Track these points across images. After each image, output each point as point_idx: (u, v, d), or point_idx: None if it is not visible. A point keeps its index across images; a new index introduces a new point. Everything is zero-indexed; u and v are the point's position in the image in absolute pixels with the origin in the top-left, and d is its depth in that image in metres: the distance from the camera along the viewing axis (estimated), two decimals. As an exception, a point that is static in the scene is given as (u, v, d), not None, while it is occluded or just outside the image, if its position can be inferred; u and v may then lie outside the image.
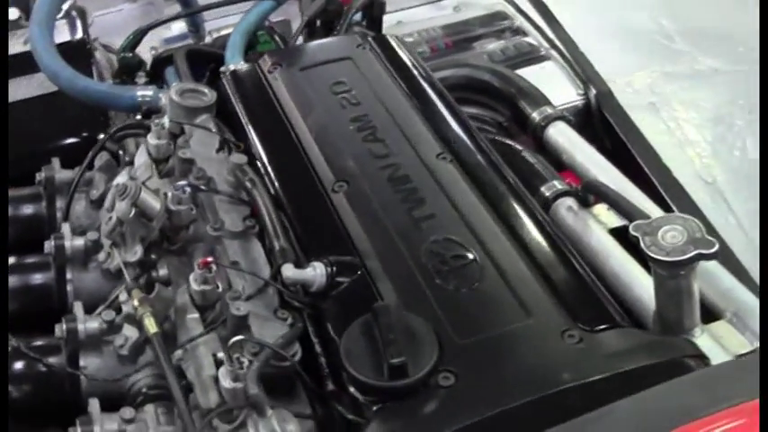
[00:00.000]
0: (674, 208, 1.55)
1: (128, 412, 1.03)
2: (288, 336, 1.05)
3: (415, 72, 1.47)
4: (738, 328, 1.25)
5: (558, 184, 1.46)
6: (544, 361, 0.99)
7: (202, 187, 1.21)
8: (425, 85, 1.45)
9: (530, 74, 1.87)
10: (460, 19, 2.04)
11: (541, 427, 0.88)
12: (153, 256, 1.19)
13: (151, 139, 1.32)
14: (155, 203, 1.18)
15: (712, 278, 1.31)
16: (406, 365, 0.95)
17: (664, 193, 1.59)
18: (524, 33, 1.99)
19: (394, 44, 1.54)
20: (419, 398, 0.95)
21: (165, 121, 1.32)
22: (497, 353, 1.00)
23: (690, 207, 1.57)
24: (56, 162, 1.37)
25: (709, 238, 1.11)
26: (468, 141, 1.34)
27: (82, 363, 1.11)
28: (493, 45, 1.96)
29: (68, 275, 1.22)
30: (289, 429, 0.95)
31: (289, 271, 1.10)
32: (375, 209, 1.18)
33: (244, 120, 1.39)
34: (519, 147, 1.62)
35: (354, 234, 1.15)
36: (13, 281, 1.23)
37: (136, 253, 1.18)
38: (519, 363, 1.00)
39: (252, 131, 1.36)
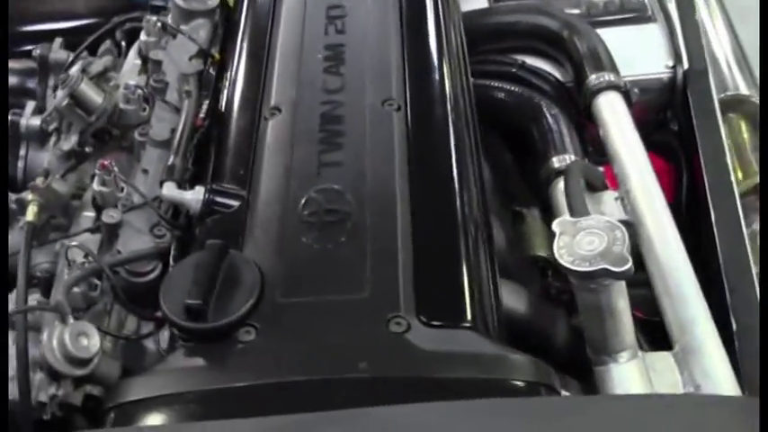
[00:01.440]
0: (715, 232, 1.33)
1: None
2: (142, 252, 1.04)
3: (430, 14, 1.35)
4: (680, 366, 1.08)
5: (557, 162, 1.32)
6: (352, 342, 0.90)
7: (144, 90, 1.21)
8: (431, 29, 1.33)
9: (623, 35, 1.69)
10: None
11: (300, 408, 0.82)
12: (88, 149, 1.21)
13: (142, 35, 1.33)
14: (95, 97, 1.20)
15: (677, 303, 1.14)
16: (203, 309, 0.91)
17: (711, 209, 1.37)
18: (641, -13, 1.76)
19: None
20: (209, 347, 0.91)
21: (153, 18, 1.32)
22: (310, 320, 0.93)
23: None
24: (57, 42, 1.42)
25: (626, 254, 0.96)
26: (439, 93, 1.22)
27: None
28: (599, -3, 1.76)
29: (21, 152, 1.27)
30: (82, 342, 0.94)
31: (167, 189, 1.08)
32: (289, 144, 1.12)
33: (237, 29, 1.35)
34: (549, 110, 1.47)
35: (256, 166, 1.10)
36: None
37: (69, 142, 1.21)
38: (326, 336, 0.92)
39: (237, 43, 1.33)
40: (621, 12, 1.72)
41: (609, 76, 1.49)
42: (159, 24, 1.33)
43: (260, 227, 1.03)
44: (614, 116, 1.45)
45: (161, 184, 1.10)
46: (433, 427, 0.76)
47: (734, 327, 1.17)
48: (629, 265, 0.95)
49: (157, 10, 1.41)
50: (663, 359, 1.09)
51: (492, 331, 0.97)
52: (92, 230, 1.09)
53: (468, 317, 0.95)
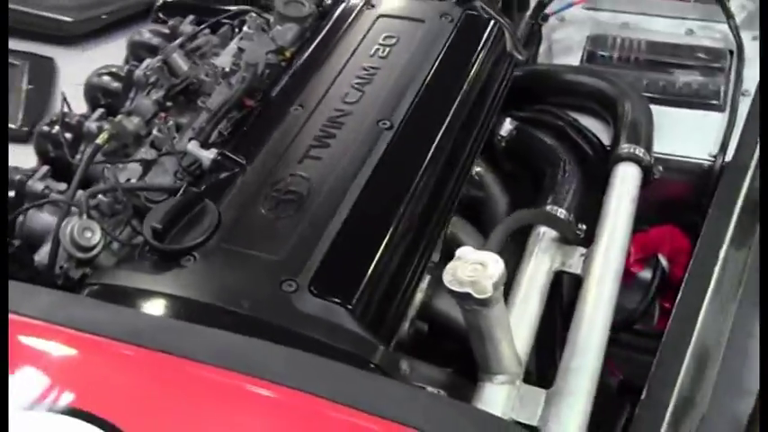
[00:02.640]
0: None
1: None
2: (155, 186, 1.37)
3: (469, 58, 1.57)
4: (546, 403, 1.24)
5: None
6: (249, 287, 1.18)
7: (224, 70, 1.54)
8: (457, 70, 1.54)
9: (686, 116, 1.80)
10: (676, 42, 1.95)
11: (191, 319, 1.12)
12: (169, 104, 1.56)
13: (245, 27, 1.67)
14: (183, 66, 1.55)
15: (575, 351, 1.30)
16: (162, 233, 1.22)
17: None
18: (723, 76, 1.85)
19: (484, 28, 1.63)
20: (161, 262, 1.23)
21: (254, 15, 1.65)
22: (232, 264, 1.22)
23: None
24: (189, 18, 1.77)
25: (490, 288, 1.14)
26: (433, 123, 1.44)
27: None
28: (682, 77, 1.87)
29: (131, 95, 1.64)
30: (86, 234, 1.28)
31: (191, 145, 1.40)
32: (294, 135, 1.41)
33: (314, 37, 1.65)
34: (567, 166, 1.63)
35: (266, 146, 1.40)
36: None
37: (157, 94, 1.56)
38: (235, 278, 1.20)
39: (307, 48, 1.62)
40: (693, 96, 1.83)
41: (636, 149, 1.62)
42: (258, 21, 1.66)
43: (240, 191, 1.33)
44: (621, 185, 1.58)
45: (189, 140, 1.42)
46: (249, 356, 1.02)
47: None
48: (488, 295, 1.14)
49: (268, 9, 1.74)
50: (535, 394, 1.24)
51: (371, 321, 1.18)
52: (137, 161, 1.43)
53: (353, 301, 1.18)
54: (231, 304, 1.15)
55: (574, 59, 1.96)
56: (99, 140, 1.44)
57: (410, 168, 1.37)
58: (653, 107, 1.80)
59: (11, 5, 3.37)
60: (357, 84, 1.49)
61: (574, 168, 1.63)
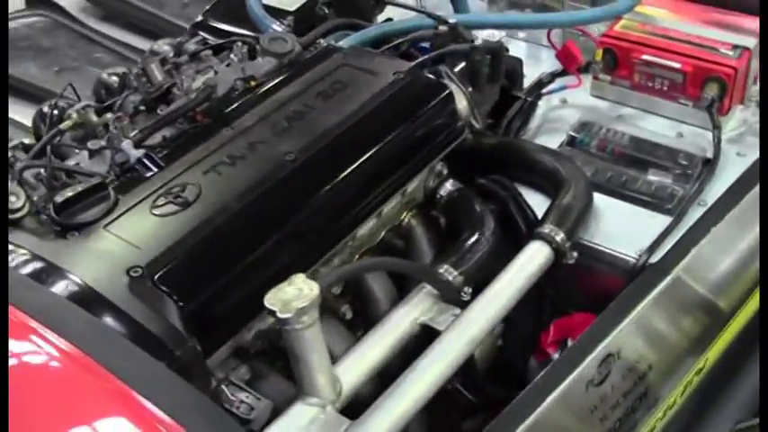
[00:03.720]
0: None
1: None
2: (84, 169, 1.58)
3: (401, 113, 1.68)
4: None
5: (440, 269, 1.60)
6: (101, 265, 1.36)
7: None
8: (387, 123, 1.66)
9: (634, 214, 1.84)
10: (659, 141, 1.97)
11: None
12: (142, 108, 1.77)
13: (232, 55, 1.87)
14: (158, 75, 1.77)
15: (395, 393, 1.39)
16: (60, 205, 1.42)
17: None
18: (690, 183, 1.86)
19: (429, 90, 1.73)
20: (50, 231, 1.43)
21: (240, 44, 1.85)
22: (100, 244, 1.39)
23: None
24: (197, 38, 2.00)
25: (294, 306, 1.25)
26: (333, 161, 1.57)
27: None
28: (652, 176, 1.90)
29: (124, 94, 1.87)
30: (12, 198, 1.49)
31: (125, 143, 1.59)
32: (212, 149, 1.57)
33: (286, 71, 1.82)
34: (482, 233, 1.70)
35: (186, 155, 1.58)
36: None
37: (135, 97, 1.78)
38: (97, 256, 1.38)
39: (275, 79, 1.79)
40: (650, 196, 1.85)
41: (554, 231, 1.67)
42: (244, 50, 1.85)
43: (143, 188, 1.50)
44: (524, 260, 1.64)
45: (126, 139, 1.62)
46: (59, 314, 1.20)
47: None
48: (287, 316, 1.25)
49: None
50: (338, 422, 1.31)
51: (203, 324, 1.33)
52: (85, 149, 1.64)
53: (188, 301, 1.32)
54: (80, 275, 1.33)
55: (557, 140, 2.02)
56: (62, 125, 1.67)
57: (294, 200, 1.50)
58: (606, 199, 1.85)
59: (146, 6, 3.78)
60: (288, 117, 1.64)
61: (490, 238, 1.69)
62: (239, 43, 1.87)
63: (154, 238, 1.40)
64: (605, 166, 1.93)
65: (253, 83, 1.79)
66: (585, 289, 1.80)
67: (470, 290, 1.59)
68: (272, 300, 1.28)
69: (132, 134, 1.62)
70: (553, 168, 1.84)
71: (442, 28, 1.87)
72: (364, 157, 1.60)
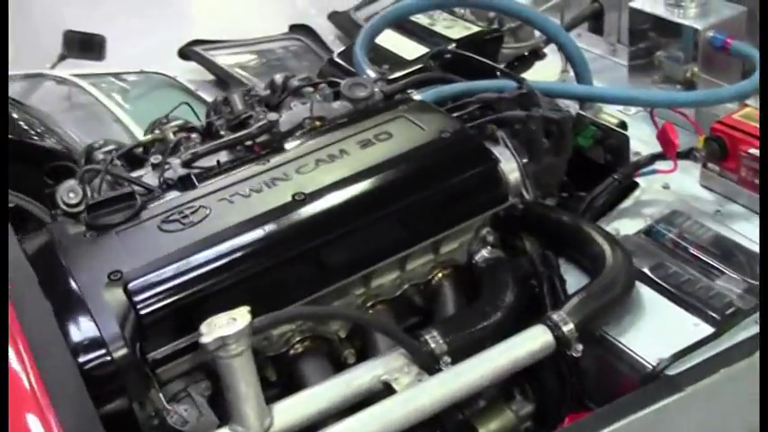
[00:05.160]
0: None
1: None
2: (134, 178, 1.77)
3: (432, 170, 1.70)
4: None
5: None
6: (93, 265, 1.52)
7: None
8: (414, 180, 1.68)
9: (677, 317, 1.68)
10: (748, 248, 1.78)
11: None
12: (223, 132, 1.94)
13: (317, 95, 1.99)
14: (239, 105, 1.93)
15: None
16: (90, 207, 1.62)
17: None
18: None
19: (470, 155, 1.73)
20: (80, 227, 1.63)
21: (325, 86, 1.97)
22: (103, 246, 1.57)
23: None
24: (299, 77, 2.12)
25: (217, 333, 1.33)
26: (340, 204, 1.62)
27: None
28: (720, 282, 1.72)
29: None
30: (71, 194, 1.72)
31: (175, 161, 1.77)
32: (240, 180, 1.68)
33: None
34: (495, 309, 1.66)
35: (217, 180, 1.71)
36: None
37: (220, 122, 1.96)
38: (94, 256, 1.55)
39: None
40: (702, 303, 1.68)
41: (563, 321, 1.57)
42: (327, 92, 1.96)
43: (167, 203, 1.66)
44: (521, 341, 1.57)
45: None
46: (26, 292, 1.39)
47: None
48: (207, 341, 1.32)
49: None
50: None
51: (158, 335, 1.45)
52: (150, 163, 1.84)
53: (148, 312, 1.45)
54: (71, 268, 1.51)
55: (636, 226, 1.90)
56: (143, 138, 1.89)
57: (285, 238, 1.57)
58: (655, 296, 1.72)
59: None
60: (319, 159, 1.71)
61: (500, 313, 1.64)
62: (323, 85, 1.97)
63: (147, 249, 1.55)
64: (672, 262, 1.77)
65: (318, 123, 1.89)
66: (606, 385, 1.68)
67: (449, 360, 1.55)
68: (205, 325, 1.36)
69: (185, 154, 1.79)
70: (600, 254, 1.73)
71: (511, 92, 1.83)
72: (371, 209, 1.63)
